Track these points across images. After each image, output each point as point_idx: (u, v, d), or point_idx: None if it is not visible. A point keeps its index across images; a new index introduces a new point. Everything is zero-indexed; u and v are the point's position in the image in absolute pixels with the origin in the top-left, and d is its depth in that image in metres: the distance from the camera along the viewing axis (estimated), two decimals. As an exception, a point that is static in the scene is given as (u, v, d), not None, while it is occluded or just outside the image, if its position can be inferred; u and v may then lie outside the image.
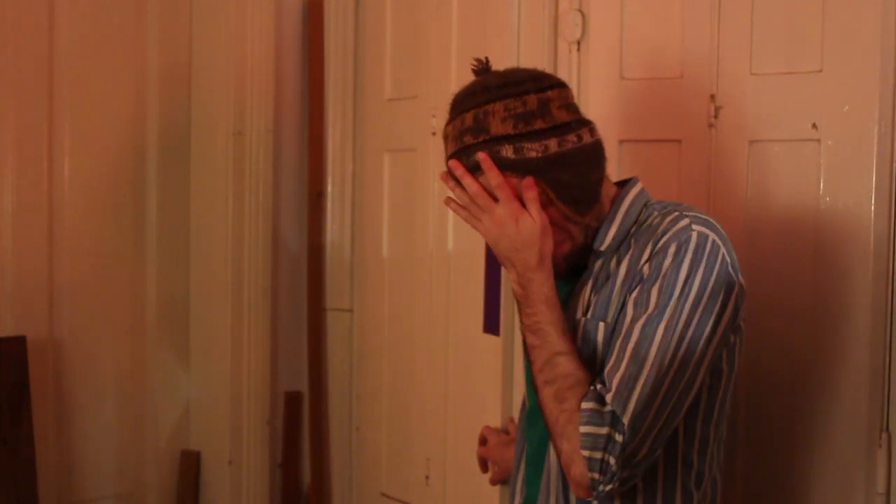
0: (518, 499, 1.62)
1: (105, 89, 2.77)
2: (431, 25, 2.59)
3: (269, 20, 2.83)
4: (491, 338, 2.35)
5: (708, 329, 1.39)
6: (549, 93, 1.46)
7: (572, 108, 1.49)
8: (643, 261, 1.43)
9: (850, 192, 1.73)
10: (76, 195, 2.72)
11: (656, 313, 1.38)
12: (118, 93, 2.80)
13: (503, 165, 1.45)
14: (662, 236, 1.42)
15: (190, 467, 2.93)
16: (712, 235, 1.42)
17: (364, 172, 2.89)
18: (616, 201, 1.53)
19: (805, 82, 1.78)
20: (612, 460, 1.35)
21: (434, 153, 2.51)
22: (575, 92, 2.12)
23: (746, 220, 1.85)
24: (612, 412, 1.36)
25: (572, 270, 1.54)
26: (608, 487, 1.37)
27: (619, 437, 1.35)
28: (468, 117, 1.47)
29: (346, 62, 2.89)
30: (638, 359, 1.38)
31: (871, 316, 1.71)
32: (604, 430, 1.36)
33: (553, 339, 1.43)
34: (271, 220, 2.87)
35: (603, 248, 1.50)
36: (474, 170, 1.46)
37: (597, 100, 2.09)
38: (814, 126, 1.77)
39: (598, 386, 1.39)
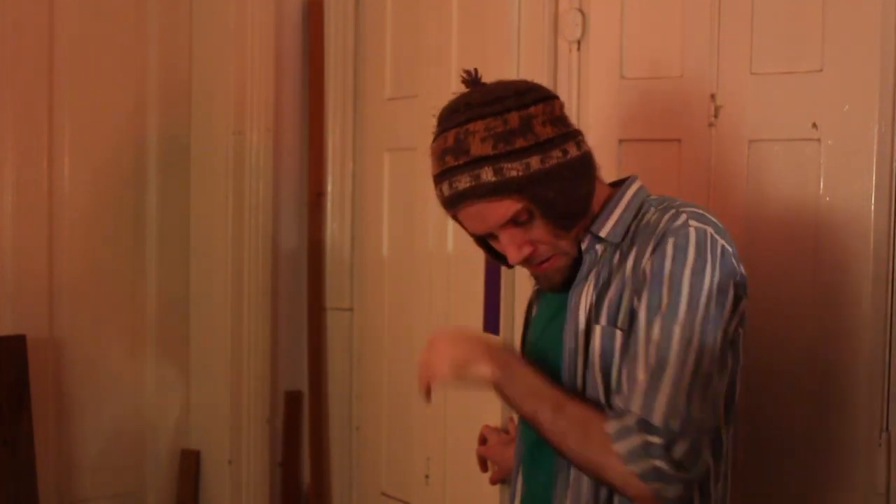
0: (518, 499, 1.62)
1: (105, 89, 2.77)
2: (431, 25, 2.59)
3: (269, 20, 2.83)
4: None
5: (723, 322, 1.40)
6: (532, 109, 1.44)
7: (558, 121, 1.46)
8: (645, 259, 1.43)
9: (850, 191, 1.73)
10: (76, 195, 2.72)
11: (669, 314, 1.38)
12: (118, 93, 2.80)
13: (484, 192, 1.43)
14: (662, 236, 1.42)
15: (190, 467, 2.93)
16: (709, 229, 1.42)
17: (364, 172, 2.89)
18: (615, 195, 1.53)
19: (805, 82, 1.79)
20: (658, 463, 1.34)
21: (434, 153, 2.50)
22: (575, 92, 2.14)
23: (746, 219, 1.85)
24: (639, 419, 1.35)
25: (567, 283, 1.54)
26: (672, 490, 1.35)
27: (656, 440, 1.34)
28: (450, 136, 1.46)
29: (346, 62, 2.89)
30: (658, 361, 1.37)
31: (871, 315, 1.71)
32: (637, 440, 1.35)
33: (549, 394, 1.43)
34: (271, 220, 2.86)
35: (603, 233, 1.49)
36: (458, 199, 1.46)
37: (597, 100, 2.09)
38: (814, 126, 1.77)
39: (617, 401, 1.39)
